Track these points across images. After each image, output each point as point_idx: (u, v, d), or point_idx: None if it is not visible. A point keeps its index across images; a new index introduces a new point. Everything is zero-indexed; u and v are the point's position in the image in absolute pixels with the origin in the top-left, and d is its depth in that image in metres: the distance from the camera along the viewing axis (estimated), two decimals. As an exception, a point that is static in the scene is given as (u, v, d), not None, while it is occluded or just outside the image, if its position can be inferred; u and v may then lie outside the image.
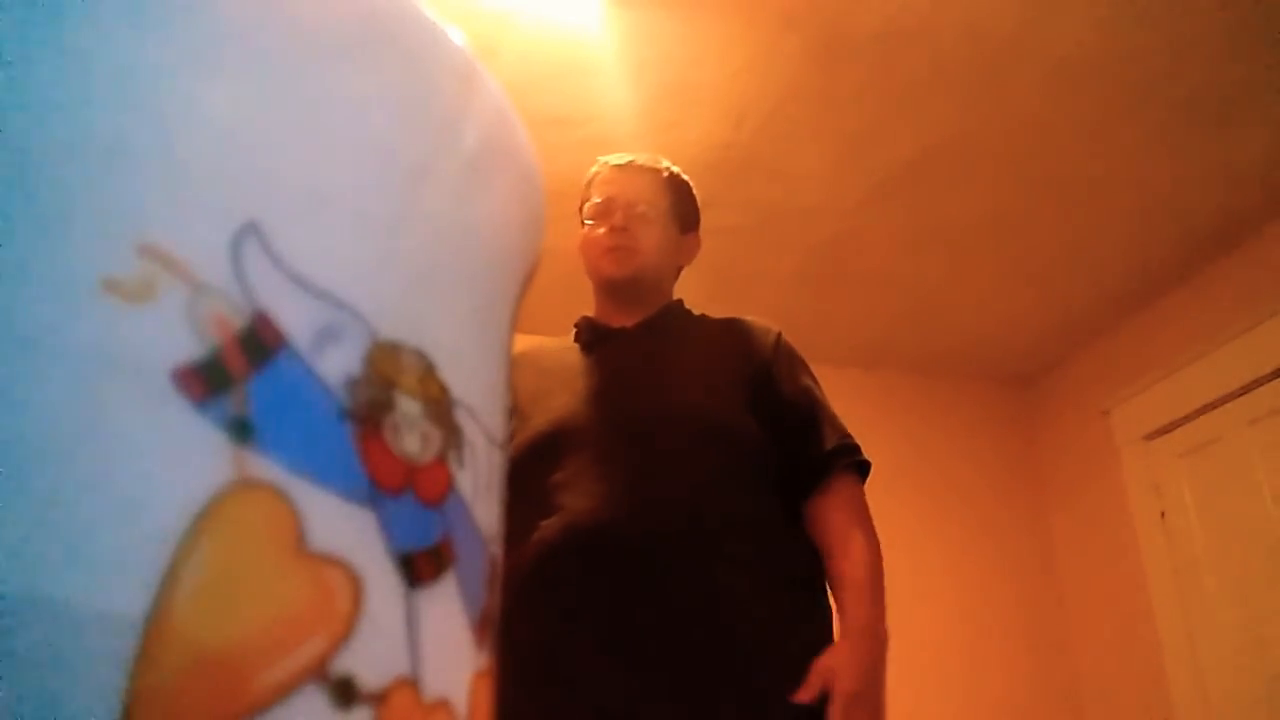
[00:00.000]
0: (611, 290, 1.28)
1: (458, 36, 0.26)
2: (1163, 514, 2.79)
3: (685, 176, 1.36)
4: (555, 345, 1.30)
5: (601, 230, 1.26)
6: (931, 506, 3.13)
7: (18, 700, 0.16)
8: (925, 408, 3.30)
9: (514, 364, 1.43)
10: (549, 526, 1.05)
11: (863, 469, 1.20)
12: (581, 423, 1.13)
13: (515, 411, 1.20)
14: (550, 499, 1.08)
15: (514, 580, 1.04)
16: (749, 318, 1.30)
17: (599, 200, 1.29)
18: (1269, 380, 2.50)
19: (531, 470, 1.11)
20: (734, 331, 1.27)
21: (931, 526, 3.09)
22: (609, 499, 1.05)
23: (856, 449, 1.19)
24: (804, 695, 1.00)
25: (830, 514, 1.15)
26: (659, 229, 1.29)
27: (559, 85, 2.08)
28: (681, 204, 1.34)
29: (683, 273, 1.39)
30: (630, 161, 1.33)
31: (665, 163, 1.35)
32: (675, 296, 1.35)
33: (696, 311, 1.34)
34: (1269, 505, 2.48)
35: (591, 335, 1.28)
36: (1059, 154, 2.29)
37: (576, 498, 1.06)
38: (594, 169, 1.35)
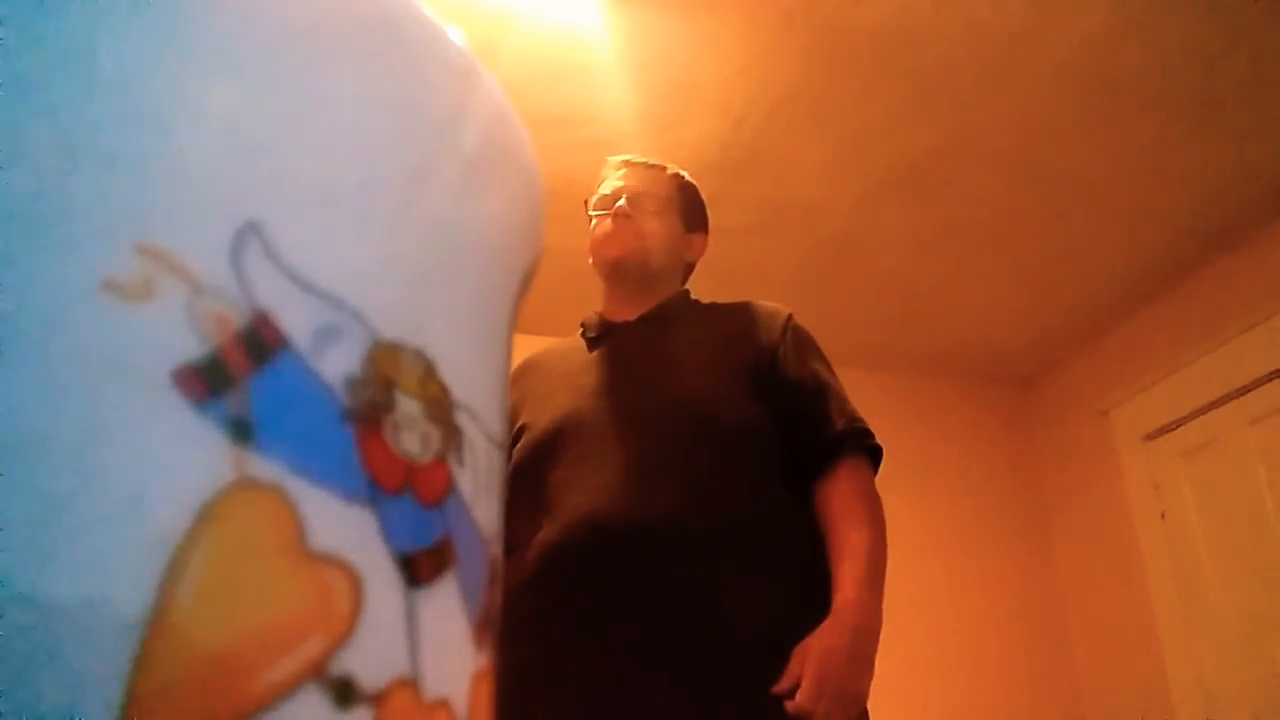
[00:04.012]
0: (615, 275, 1.29)
1: (458, 36, 0.26)
2: (1163, 514, 2.79)
3: (692, 180, 1.37)
4: (562, 346, 1.31)
5: (606, 218, 1.28)
6: (931, 506, 3.12)
7: (17, 701, 0.16)
8: (925, 408, 3.30)
9: (523, 370, 1.41)
10: (550, 526, 1.05)
11: (874, 455, 1.17)
12: (582, 420, 1.13)
13: (524, 415, 1.19)
14: (552, 498, 1.08)
15: (517, 581, 1.04)
16: (758, 302, 1.29)
17: (606, 192, 1.31)
18: (1269, 380, 2.50)
19: (535, 470, 1.11)
20: (741, 317, 1.26)
21: (931, 526, 3.09)
22: (606, 497, 1.05)
23: (867, 433, 1.17)
24: (783, 683, 0.97)
25: (835, 498, 1.11)
26: (663, 219, 1.30)
27: (559, 85, 2.08)
28: (687, 202, 1.35)
29: (683, 274, 1.40)
30: (637, 160, 1.36)
31: (672, 167, 1.37)
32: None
33: (706, 301, 1.34)
34: (1269, 505, 2.48)
35: (594, 331, 1.28)
36: (1059, 154, 2.29)
37: (575, 496, 1.06)
38: (603, 170, 1.37)
